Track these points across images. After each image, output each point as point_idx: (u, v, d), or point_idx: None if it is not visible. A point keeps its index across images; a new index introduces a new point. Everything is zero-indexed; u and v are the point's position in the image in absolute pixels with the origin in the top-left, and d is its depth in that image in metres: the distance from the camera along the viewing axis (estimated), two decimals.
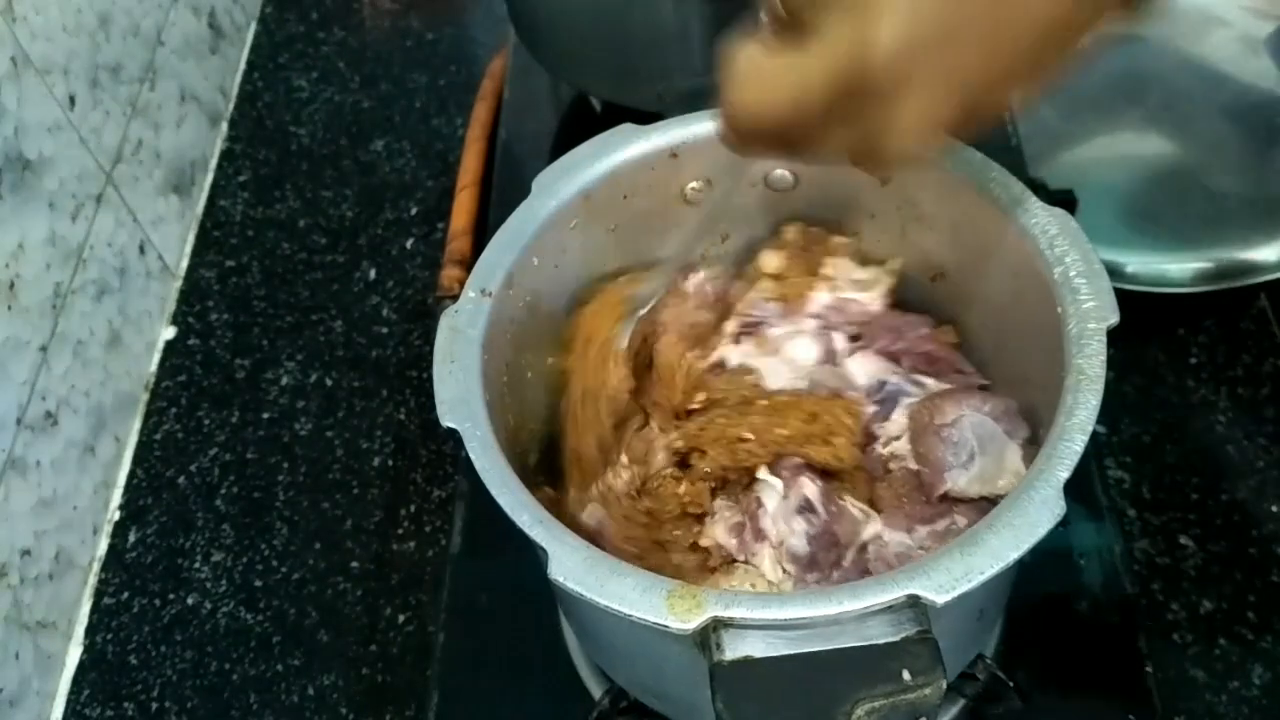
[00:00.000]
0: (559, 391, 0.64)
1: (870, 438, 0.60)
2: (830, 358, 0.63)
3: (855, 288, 0.65)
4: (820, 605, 0.44)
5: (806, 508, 0.56)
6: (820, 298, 0.65)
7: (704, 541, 0.58)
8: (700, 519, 0.59)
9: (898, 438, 0.59)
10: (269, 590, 0.79)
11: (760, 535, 0.56)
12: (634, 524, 0.58)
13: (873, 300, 0.64)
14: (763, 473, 0.57)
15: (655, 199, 0.64)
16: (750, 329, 0.65)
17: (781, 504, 0.56)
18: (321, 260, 0.97)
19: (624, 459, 0.61)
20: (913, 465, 0.58)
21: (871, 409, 0.61)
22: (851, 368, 0.63)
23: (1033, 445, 0.57)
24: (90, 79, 0.87)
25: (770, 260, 0.66)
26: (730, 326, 0.65)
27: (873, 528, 0.56)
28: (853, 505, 0.57)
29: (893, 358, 0.62)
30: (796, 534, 0.55)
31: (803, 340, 0.63)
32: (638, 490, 0.60)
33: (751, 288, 0.66)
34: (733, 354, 0.64)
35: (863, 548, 0.56)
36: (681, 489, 0.59)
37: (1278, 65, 0.91)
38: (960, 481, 0.56)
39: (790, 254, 0.66)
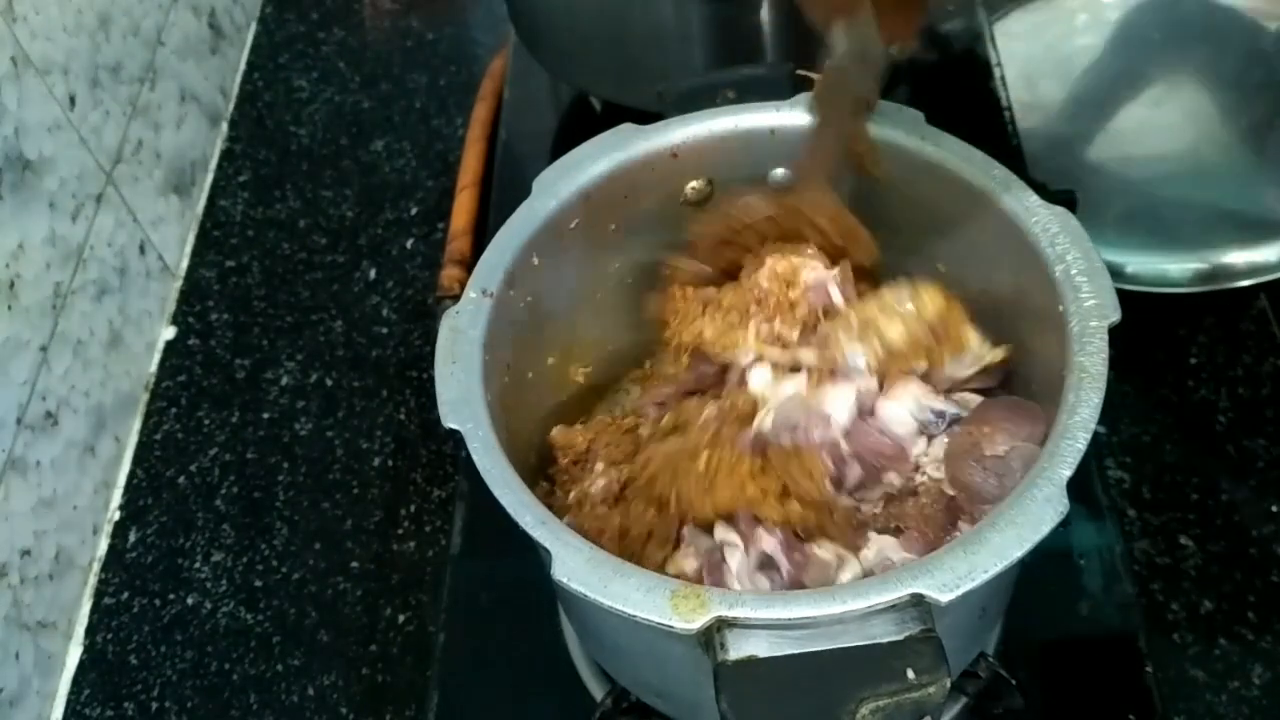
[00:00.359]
0: (560, 391, 0.64)
1: (914, 468, 0.57)
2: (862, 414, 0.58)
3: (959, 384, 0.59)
4: (824, 604, 0.44)
5: (768, 564, 0.53)
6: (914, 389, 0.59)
7: (671, 570, 0.55)
8: (676, 543, 0.57)
9: (935, 461, 0.57)
10: (269, 590, 0.79)
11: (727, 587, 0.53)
12: (606, 537, 0.56)
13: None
14: (720, 529, 0.54)
15: (656, 199, 0.64)
16: (823, 371, 0.58)
17: (744, 560, 0.53)
18: (321, 260, 0.97)
19: (599, 465, 0.61)
20: (947, 490, 0.56)
21: (921, 444, 0.57)
22: (890, 412, 0.57)
23: None
24: (90, 79, 0.86)
25: (895, 332, 0.57)
26: (807, 357, 0.58)
27: (852, 569, 0.53)
28: (821, 550, 0.54)
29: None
30: (762, 590, 0.52)
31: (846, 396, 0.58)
32: (614, 499, 0.59)
33: (852, 333, 0.58)
34: (760, 378, 0.59)
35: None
36: (649, 515, 0.56)
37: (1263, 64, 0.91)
38: None
39: (917, 337, 0.58)
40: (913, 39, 0.55)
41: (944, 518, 0.55)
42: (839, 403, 0.56)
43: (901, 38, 0.56)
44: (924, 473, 0.57)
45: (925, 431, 0.57)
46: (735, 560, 0.54)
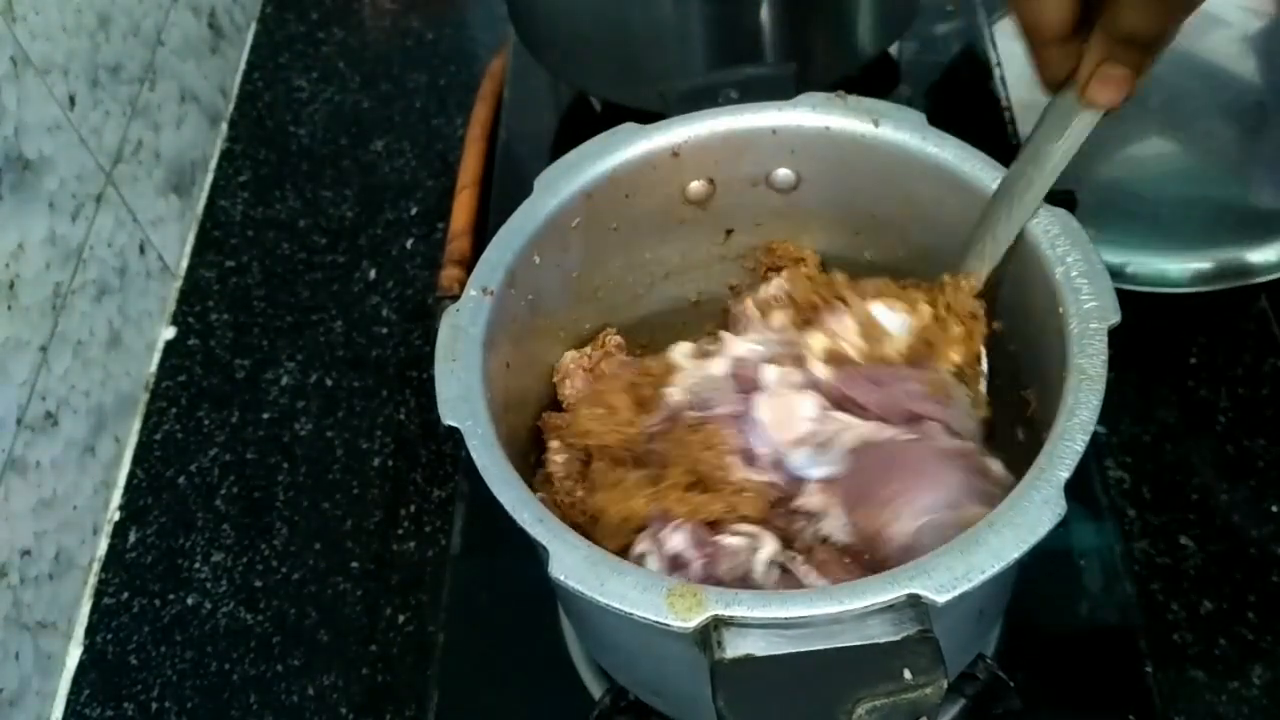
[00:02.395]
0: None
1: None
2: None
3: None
4: (821, 604, 0.44)
5: (678, 562, 0.52)
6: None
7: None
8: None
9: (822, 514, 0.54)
10: (269, 590, 0.79)
11: None
12: (585, 519, 0.57)
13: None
14: (635, 542, 0.54)
15: (657, 198, 0.64)
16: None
17: (658, 559, 0.53)
18: (321, 260, 0.97)
19: (555, 443, 0.61)
20: (843, 538, 0.53)
21: (780, 479, 0.55)
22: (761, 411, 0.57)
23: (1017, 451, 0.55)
24: (90, 79, 0.87)
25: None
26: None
27: (768, 549, 0.52)
28: (732, 539, 0.53)
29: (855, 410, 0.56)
30: None
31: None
32: (579, 475, 0.59)
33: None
34: (681, 351, 0.62)
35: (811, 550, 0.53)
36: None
37: (1260, 63, 0.91)
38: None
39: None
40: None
41: (855, 564, 0.53)
42: (720, 363, 0.59)
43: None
44: (814, 527, 0.54)
45: (779, 467, 0.55)
46: (652, 566, 0.53)
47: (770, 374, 0.58)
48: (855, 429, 0.55)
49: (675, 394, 0.59)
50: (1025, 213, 0.55)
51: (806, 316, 0.61)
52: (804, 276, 0.64)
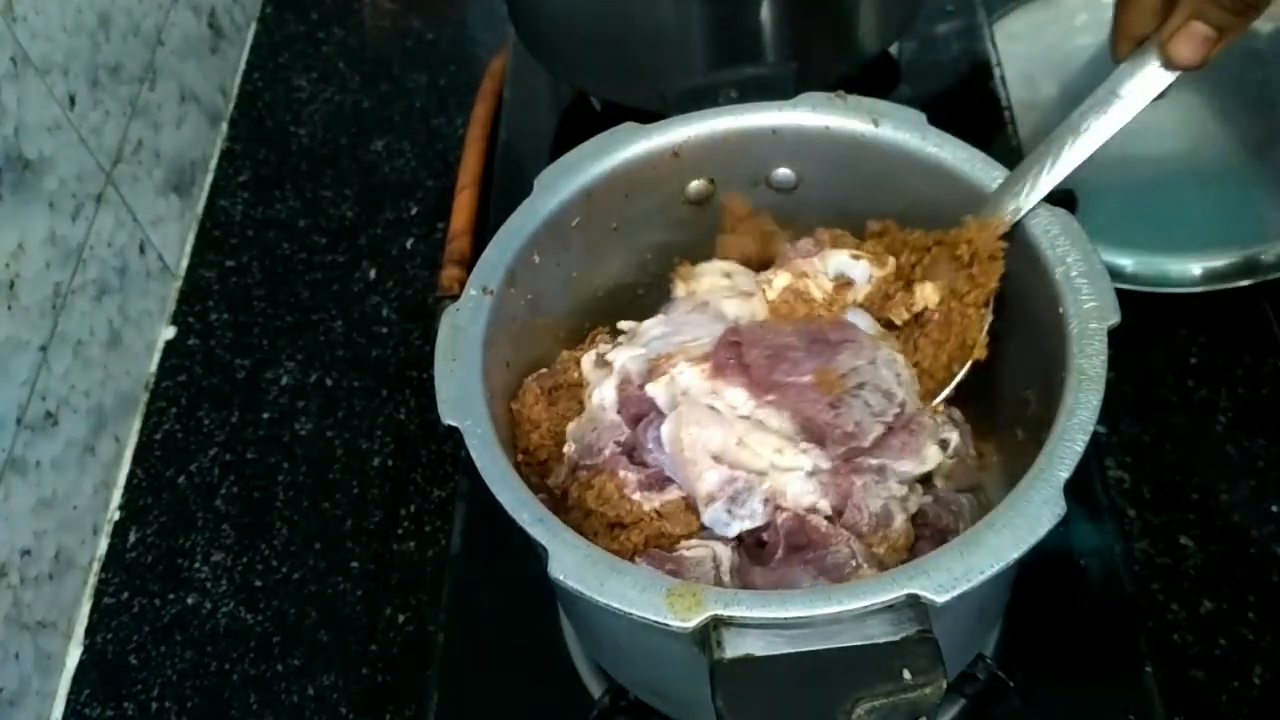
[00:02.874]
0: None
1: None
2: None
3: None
4: (820, 604, 0.44)
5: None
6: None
7: None
8: None
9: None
10: (269, 590, 0.79)
11: None
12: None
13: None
14: None
15: (657, 198, 0.64)
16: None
17: None
18: (321, 260, 0.97)
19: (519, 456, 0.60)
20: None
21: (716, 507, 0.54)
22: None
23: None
24: (90, 79, 0.87)
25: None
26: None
27: (721, 552, 0.53)
28: (692, 550, 0.53)
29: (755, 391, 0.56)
30: None
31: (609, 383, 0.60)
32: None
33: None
34: (587, 362, 0.62)
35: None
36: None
37: (1262, 62, 0.91)
38: None
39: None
40: None
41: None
42: (605, 389, 0.58)
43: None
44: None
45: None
46: None
47: (660, 396, 0.57)
48: (766, 481, 0.54)
49: (569, 445, 0.58)
50: (1072, 163, 0.56)
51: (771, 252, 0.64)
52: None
